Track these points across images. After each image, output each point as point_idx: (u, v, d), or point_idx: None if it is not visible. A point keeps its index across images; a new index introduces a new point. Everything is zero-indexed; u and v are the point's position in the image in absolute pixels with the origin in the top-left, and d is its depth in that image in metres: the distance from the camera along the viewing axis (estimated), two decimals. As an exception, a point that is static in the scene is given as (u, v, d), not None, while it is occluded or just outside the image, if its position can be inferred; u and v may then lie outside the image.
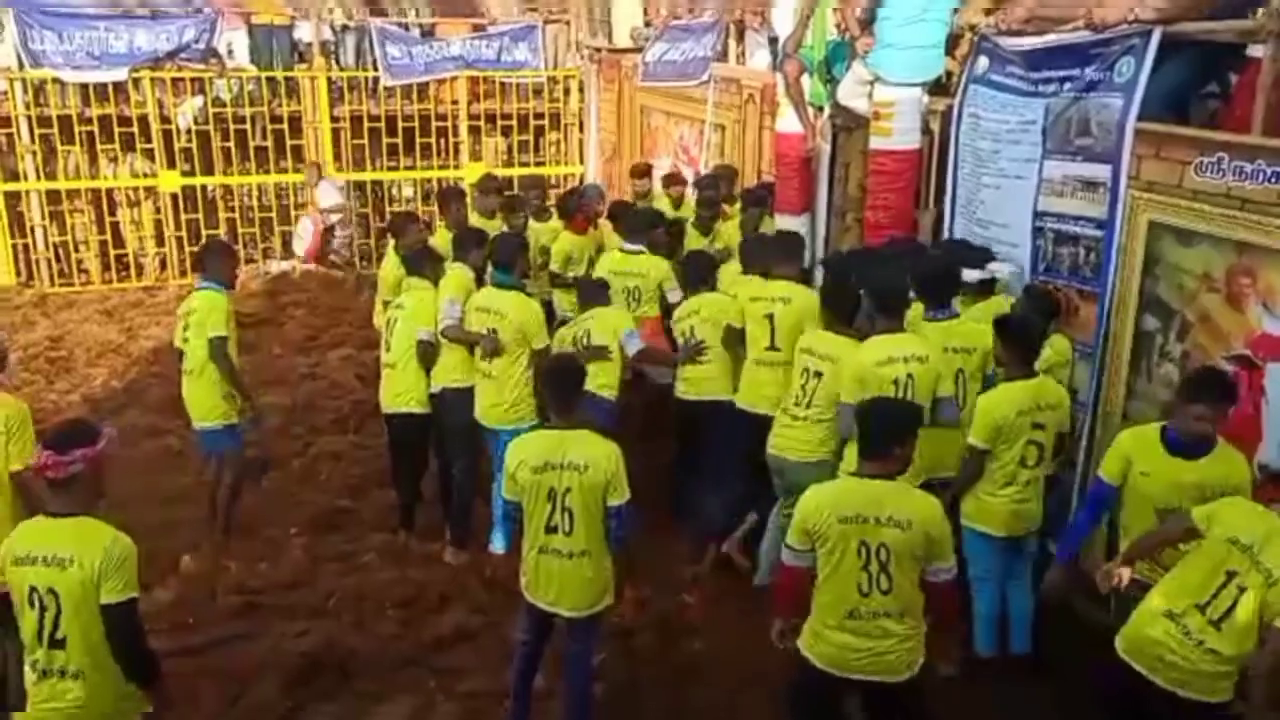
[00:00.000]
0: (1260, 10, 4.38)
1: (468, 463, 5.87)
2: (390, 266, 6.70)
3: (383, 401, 6.01)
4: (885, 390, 4.48)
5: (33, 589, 3.21)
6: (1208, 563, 3.38)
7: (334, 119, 11.54)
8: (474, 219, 8.04)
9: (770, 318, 5.47)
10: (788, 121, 7.15)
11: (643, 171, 9.06)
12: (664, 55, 9.95)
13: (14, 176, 10.81)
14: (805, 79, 6.95)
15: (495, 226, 7.52)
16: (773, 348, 5.47)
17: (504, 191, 8.26)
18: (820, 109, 7.02)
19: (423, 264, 6.11)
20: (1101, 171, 4.92)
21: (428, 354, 5.75)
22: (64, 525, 3.27)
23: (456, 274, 5.95)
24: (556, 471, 3.94)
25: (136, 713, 3.40)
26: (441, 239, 7.18)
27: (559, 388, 4.17)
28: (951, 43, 6.07)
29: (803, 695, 3.80)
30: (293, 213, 11.59)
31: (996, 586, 4.64)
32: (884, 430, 3.62)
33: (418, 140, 11.83)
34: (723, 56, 9.27)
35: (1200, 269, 4.48)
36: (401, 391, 5.86)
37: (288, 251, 11.58)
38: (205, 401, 5.66)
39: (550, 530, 4.00)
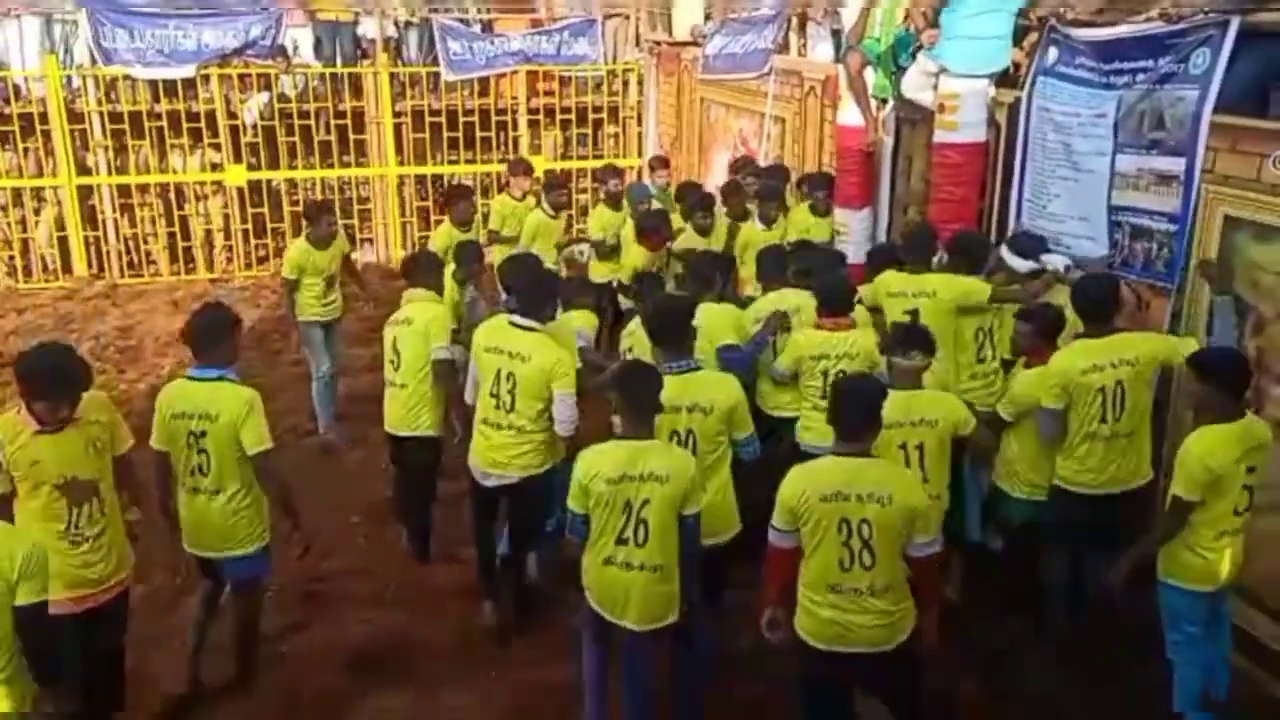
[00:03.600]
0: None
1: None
2: (297, 250, 7.16)
3: (389, 422, 5.60)
4: (1092, 399, 4.39)
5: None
6: None
7: (396, 114, 11.65)
8: (503, 200, 8.56)
9: None
10: (849, 114, 7.10)
11: (663, 163, 9.22)
12: (724, 48, 9.90)
13: (86, 171, 11.07)
14: (868, 71, 6.89)
15: (524, 210, 8.24)
16: None
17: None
18: (884, 101, 6.96)
19: (421, 273, 5.71)
20: (1175, 165, 4.81)
21: (449, 373, 5.38)
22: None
23: (437, 314, 5.49)
24: (635, 483, 3.79)
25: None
26: (444, 237, 7.54)
27: (638, 397, 3.93)
28: (1019, 34, 5.97)
29: (811, 684, 3.82)
30: (355, 207, 11.72)
31: (1202, 650, 4.20)
32: (862, 409, 3.66)
33: (478, 134, 11.91)
34: (784, 49, 9.20)
35: (1277, 264, 4.35)
36: (412, 410, 5.46)
37: (351, 245, 11.71)
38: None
39: (621, 542, 3.85)
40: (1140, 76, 5.04)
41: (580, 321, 5.57)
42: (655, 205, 8.09)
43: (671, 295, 5.12)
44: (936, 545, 3.73)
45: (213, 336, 4.35)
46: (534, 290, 4.93)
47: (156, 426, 4.33)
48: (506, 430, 4.77)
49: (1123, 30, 5.19)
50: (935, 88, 6.19)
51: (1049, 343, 4.66)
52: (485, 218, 11.04)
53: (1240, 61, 4.60)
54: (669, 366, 4.26)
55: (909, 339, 4.48)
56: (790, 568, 3.69)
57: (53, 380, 3.77)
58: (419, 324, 5.36)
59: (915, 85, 6.45)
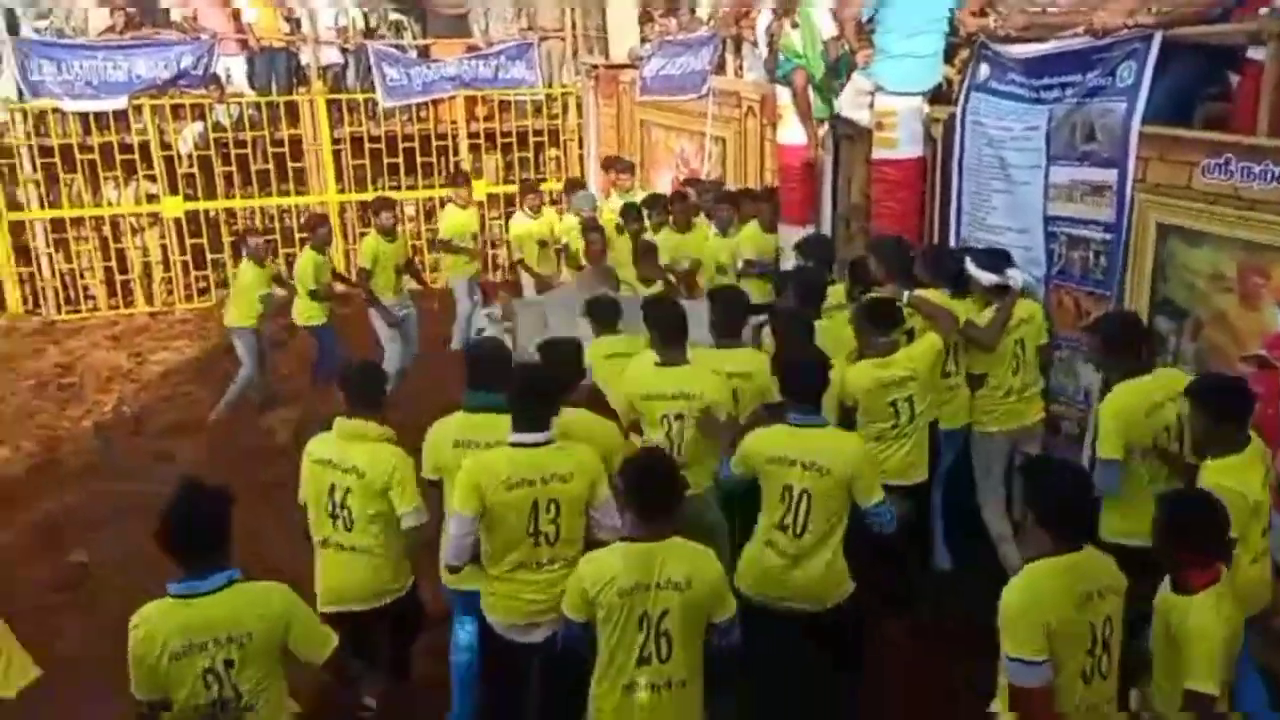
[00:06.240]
0: (1262, 11, 4.44)
1: None
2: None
3: (341, 597, 4.19)
4: (1153, 442, 4.07)
5: None
6: None
7: (335, 141, 11.59)
8: (451, 211, 9.09)
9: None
10: (790, 132, 7.25)
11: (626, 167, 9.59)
12: (661, 70, 10.02)
13: (17, 206, 10.84)
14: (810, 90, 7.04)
15: (471, 218, 9.07)
16: None
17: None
18: (821, 121, 7.11)
19: (363, 394, 4.28)
20: (1108, 175, 4.97)
21: (419, 540, 4.21)
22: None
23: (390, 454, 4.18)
24: (652, 592, 3.28)
25: None
26: (370, 247, 8.20)
27: (654, 492, 3.38)
28: (950, 51, 6.14)
29: None
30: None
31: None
32: (1086, 508, 3.32)
33: (419, 160, 11.89)
34: (720, 69, 9.33)
35: (1211, 269, 4.53)
36: (380, 573, 4.22)
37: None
38: None
39: (643, 662, 3.31)
40: (1070, 90, 5.21)
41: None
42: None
43: (807, 346, 4.57)
44: None
45: (213, 535, 3.22)
46: (541, 396, 3.85)
47: (147, 673, 3.13)
48: (550, 567, 3.82)
49: (1051, 46, 5.35)
50: (871, 106, 6.34)
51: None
52: (431, 241, 11.15)
53: (1166, 74, 4.79)
54: (793, 418, 4.02)
55: (886, 318, 4.73)
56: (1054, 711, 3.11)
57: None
58: (374, 478, 4.09)
59: (852, 104, 6.61)
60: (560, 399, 3.95)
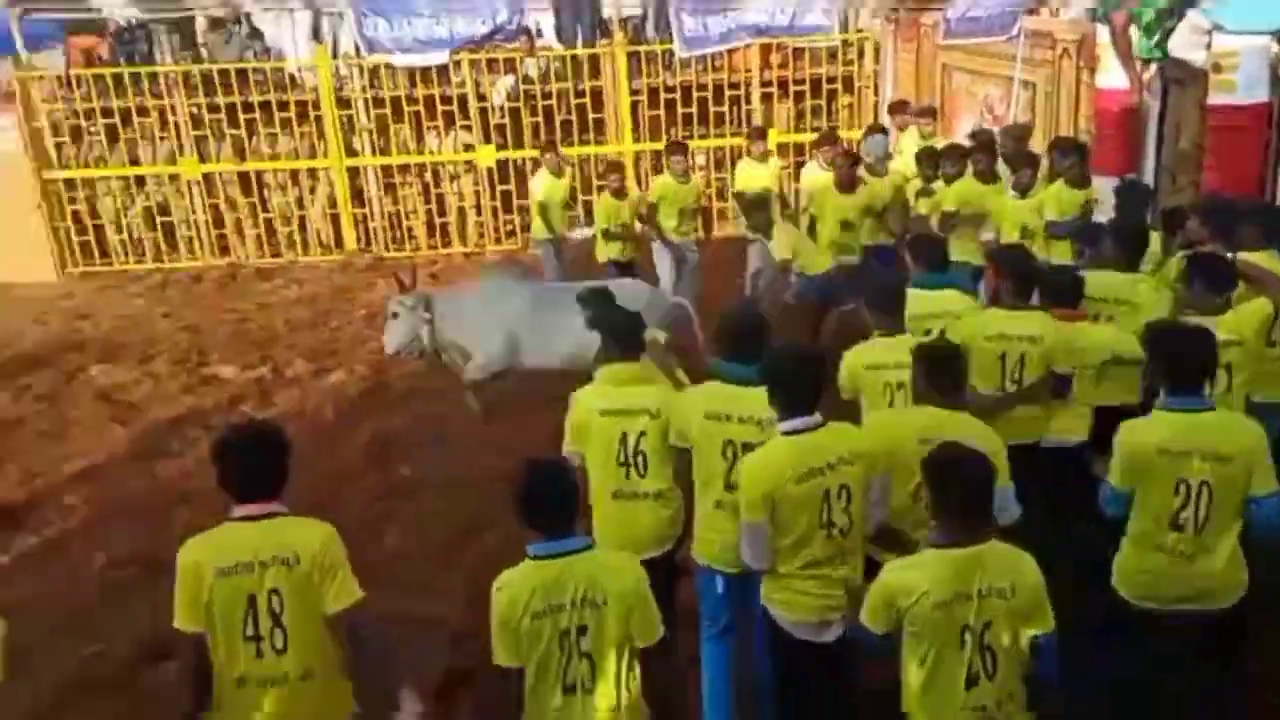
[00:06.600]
0: None
1: None
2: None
3: (634, 547, 3.81)
4: None
5: None
6: None
7: (633, 92, 11.96)
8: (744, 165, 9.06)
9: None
10: (1109, 76, 6.82)
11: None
12: (967, 11, 9.62)
13: (353, 153, 11.99)
14: (1132, 30, 6.58)
15: (766, 174, 8.92)
16: None
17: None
18: (1147, 62, 6.63)
19: (628, 338, 4.32)
20: None
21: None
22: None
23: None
24: (973, 602, 2.96)
25: None
26: (662, 185, 8.57)
27: (972, 493, 3.05)
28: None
29: None
30: (594, 183, 12.12)
31: None
32: None
33: (711, 109, 12.06)
34: (1033, 9, 8.85)
35: None
36: (670, 519, 4.24)
37: (589, 220, 12.15)
38: None
39: (971, 683, 3.00)
40: None
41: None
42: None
43: (1180, 322, 4.22)
44: None
45: (565, 505, 3.18)
46: (809, 376, 3.59)
47: (510, 635, 3.08)
48: (845, 561, 3.60)
49: None
50: (1208, 46, 5.86)
51: None
52: (720, 191, 11.36)
53: None
54: (1174, 402, 3.60)
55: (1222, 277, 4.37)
56: None
57: None
58: (668, 416, 4.09)
59: (1186, 44, 6.14)
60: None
